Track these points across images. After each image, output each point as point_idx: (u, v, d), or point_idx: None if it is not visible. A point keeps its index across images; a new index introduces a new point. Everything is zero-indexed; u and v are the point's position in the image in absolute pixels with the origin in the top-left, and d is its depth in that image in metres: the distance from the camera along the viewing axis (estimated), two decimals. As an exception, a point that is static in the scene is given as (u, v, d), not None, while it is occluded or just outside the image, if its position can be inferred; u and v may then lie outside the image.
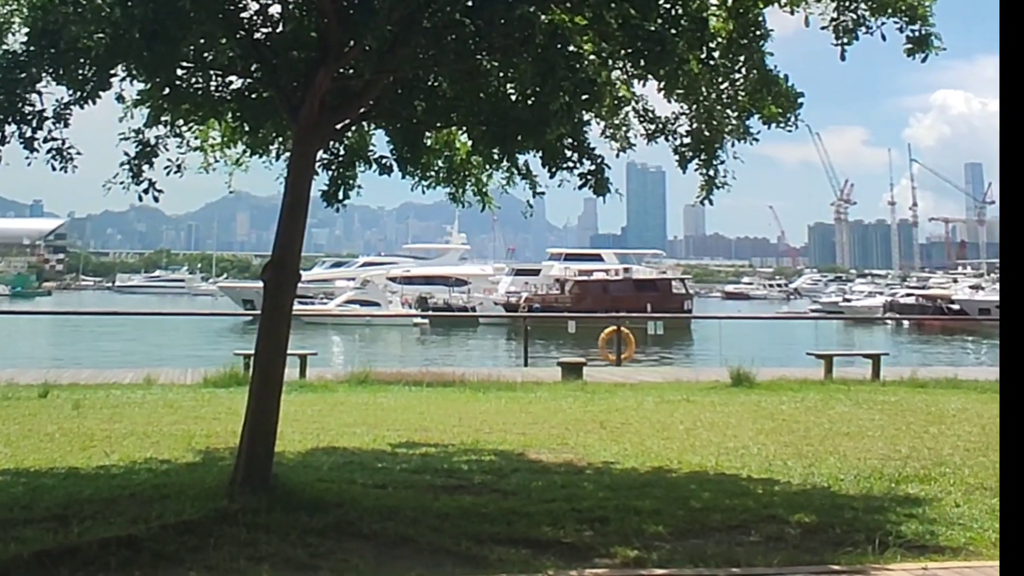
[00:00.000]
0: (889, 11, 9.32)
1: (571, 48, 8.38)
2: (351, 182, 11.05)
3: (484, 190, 11.58)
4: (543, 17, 8.32)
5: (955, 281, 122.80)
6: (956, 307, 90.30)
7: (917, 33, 9.38)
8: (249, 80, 10.11)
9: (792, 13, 9.75)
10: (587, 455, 12.47)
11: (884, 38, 9.44)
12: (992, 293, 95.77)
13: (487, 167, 11.15)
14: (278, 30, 9.75)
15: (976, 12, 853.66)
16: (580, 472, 11.32)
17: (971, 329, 67.51)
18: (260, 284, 9.88)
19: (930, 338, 63.62)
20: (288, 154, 10.44)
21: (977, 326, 71.21)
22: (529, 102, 8.98)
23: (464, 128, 10.59)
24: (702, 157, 10.32)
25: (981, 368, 30.46)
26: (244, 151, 11.15)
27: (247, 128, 10.58)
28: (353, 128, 10.78)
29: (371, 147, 11.25)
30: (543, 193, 10.88)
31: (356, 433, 13.96)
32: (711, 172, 10.37)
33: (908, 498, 10.00)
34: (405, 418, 15.74)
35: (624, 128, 10.76)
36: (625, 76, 9.79)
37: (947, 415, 16.75)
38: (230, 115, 10.43)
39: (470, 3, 8.72)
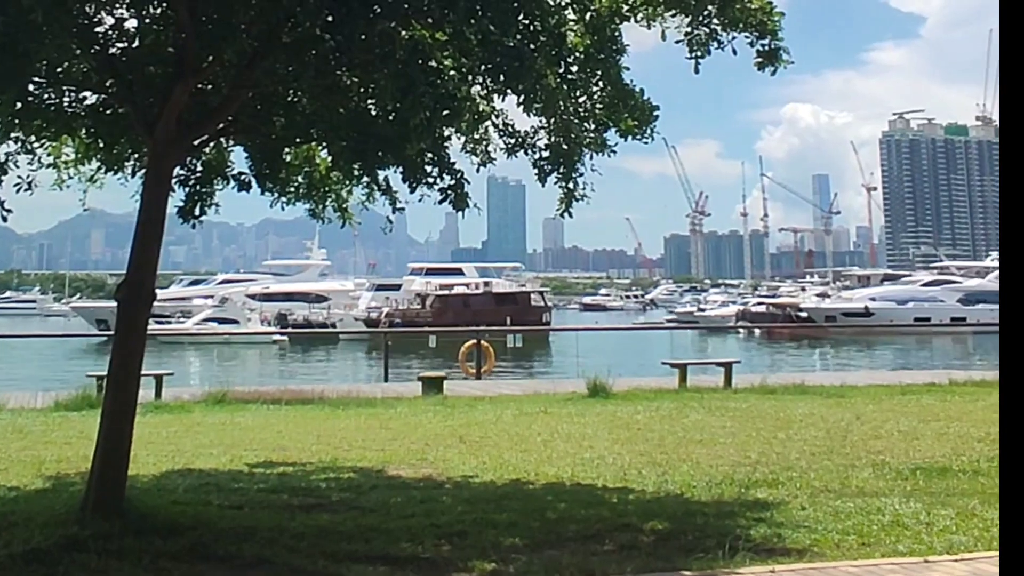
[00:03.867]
0: (740, 26, 9.56)
1: (431, 64, 8.48)
2: (209, 199, 10.89)
3: (344, 206, 11.54)
4: (404, 33, 8.39)
5: (803, 289, 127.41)
6: (804, 315, 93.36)
7: (767, 47, 9.67)
8: (104, 95, 9.91)
9: (648, 28, 9.96)
10: (446, 470, 12.52)
11: (735, 52, 9.73)
12: (838, 301, 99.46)
13: (347, 183, 11.13)
14: (134, 45, 9.54)
15: (822, 28, 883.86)
16: (439, 487, 11.37)
17: (818, 336, 69.85)
18: (114, 304, 9.68)
19: (780, 345, 65.48)
20: (144, 171, 10.23)
21: (824, 333, 73.75)
22: (390, 117, 9.04)
23: (324, 144, 10.54)
24: (561, 170, 10.42)
25: (827, 374, 31.53)
26: (99, 168, 10.88)
27: (102, 144, 10.36)
28: (211, 144, 10.63)
29: (230, 163, 11.12)
30: (403, 208, 10.91)
31: (212, 454, 13.74)
32: (570, 185, 10.47)
33: (757, 503, 10.27)
34: (263, 437, 15.57)
35: (484, 143, 10.87)
36: (485, 91, 9.94)
37: (795, 420, 17.27)
38: (84, 131, 10.20)
39: (330, 19, 8.69)
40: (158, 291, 10.16)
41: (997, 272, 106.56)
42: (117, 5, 9.35)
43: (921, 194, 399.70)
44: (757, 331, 77.01)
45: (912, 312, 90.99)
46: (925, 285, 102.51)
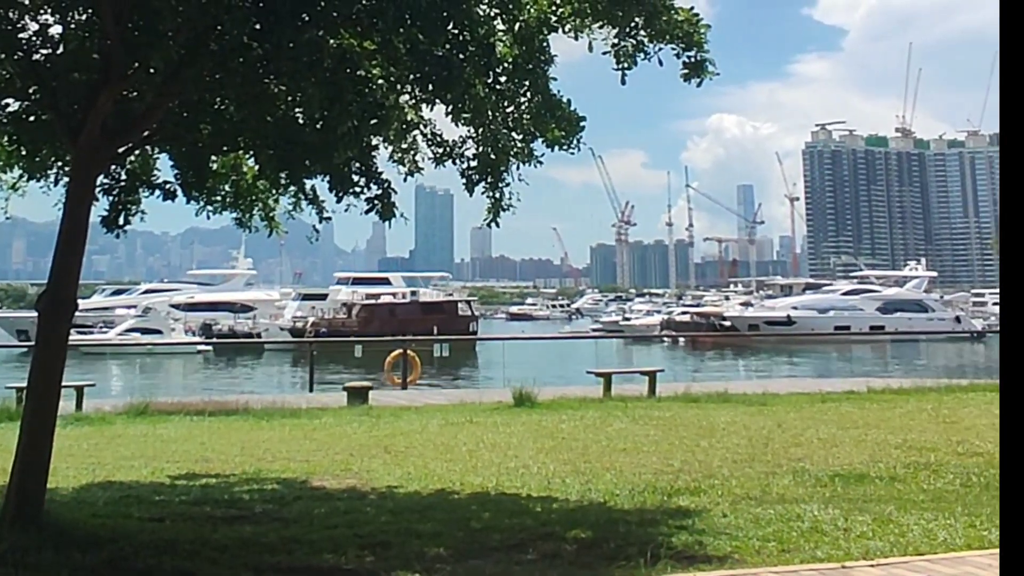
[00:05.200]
0: (667, 38, 9.63)
1: (359, 72, 8.48)
2: (133, 207, 10.72)
3: (271, 215, 11.44)
4: (332, 41, 8.38)
5: (727, 299, 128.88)
6: (727, 324, 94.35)
7: (693, 59, 9.73)
8: (27, 102, 9.75)
9: (576, 39, 9.98)
10: (371, 480, 12.50)
11: (661, 63, 9.77)
12: (760, 310, 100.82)
13: (274, 191, 11.06)
14: (59, 51, 9.41)
15: (748, 40, 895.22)
16: (363, 497, 11.34)
17: (741, 344, 70.77)
18: (35, 314, 9.53)
19: (703, 354, 66.18)
20: (67, 179, 10.09)
21: (747, 341, 74.73)
22: (317, 126, 9.01)
23: (251, 152, 10.45)
24: (488, 180, 10.45)
25: (749, 382, 31.93)
26: (21, 175, 10.68)
27: (24, 152, 10.19)
28: (136, 152, 10.49)
29: (155, 171, 10.97)
30: (330, 218, 10.89)
31: (134, 466, 13.58)
32: (497, 195, 10.52)
33: (679, 510, 10.36)
34: (186, 449, 15.41)
35: (412, 152, 10.87)
36: (413, 100, 9.94)
37: (717, 428, 17.47)
38: (6, 138, 10.06)
39: (258, 26, 8.61)
40: (80, 301, 10.01)
41: (915, 281, 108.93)
42: (41, 11, 9.23)
43: (842, 204, 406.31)
44: (681, 340, 77.78)
45: (833, 320, 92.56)
46: (845, 294, 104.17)
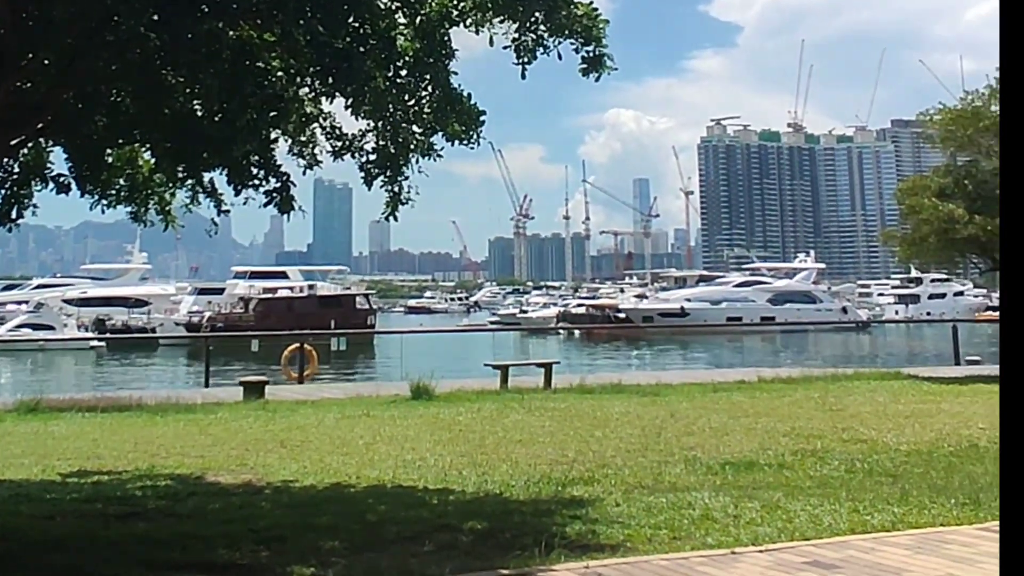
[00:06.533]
0: (566, 33, 9.74)
1: (259, 64, 8.44)
2: (26, 201, 10.53)
3: (168, 208, 11.32)
4: (231, 33, 8.32)
5: (622, 291, 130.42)
6: (622, 315, 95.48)
7: (592, 54, 9.87)
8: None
9: (477, 33, 10.05)
10: (266, 475, 12.43)
11: (560, 57, 9.91)
12: (655, 302, 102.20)
13: (171, 185, 10.94)
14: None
15: (645, 36, 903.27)
16: (259, 492, 11.28)
17: (635, 336, 71.67)
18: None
19: (599, 346, 66.81)
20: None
21: (641, 333, 75.71)
22: (216, 118, 8.96)
23: (148, 145, 10.34)
24: (388, 173, 10.48)
25: (643, 373, 32.38)
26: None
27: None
28: (29, 144, 10.27)
29: (49, 164, 10.77)
30: (228, 211, 10.82)
31: (24, 464, 13.34)
32: (396, 188, 10.55)
33: (574, 500, 10.49)
34: (77, 446, 15.15)
35: (312, 145, 10.88)
36: (313, 93, 9.94)
37: (611, 419, 17.72)
38: None
39: (156, 17, 8.50)
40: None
41: (804, 273, 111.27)
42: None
43: (736, 198, 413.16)
44: (577, 332, 78.44)
45: (725, 312, 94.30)
46: (737, 286, 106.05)
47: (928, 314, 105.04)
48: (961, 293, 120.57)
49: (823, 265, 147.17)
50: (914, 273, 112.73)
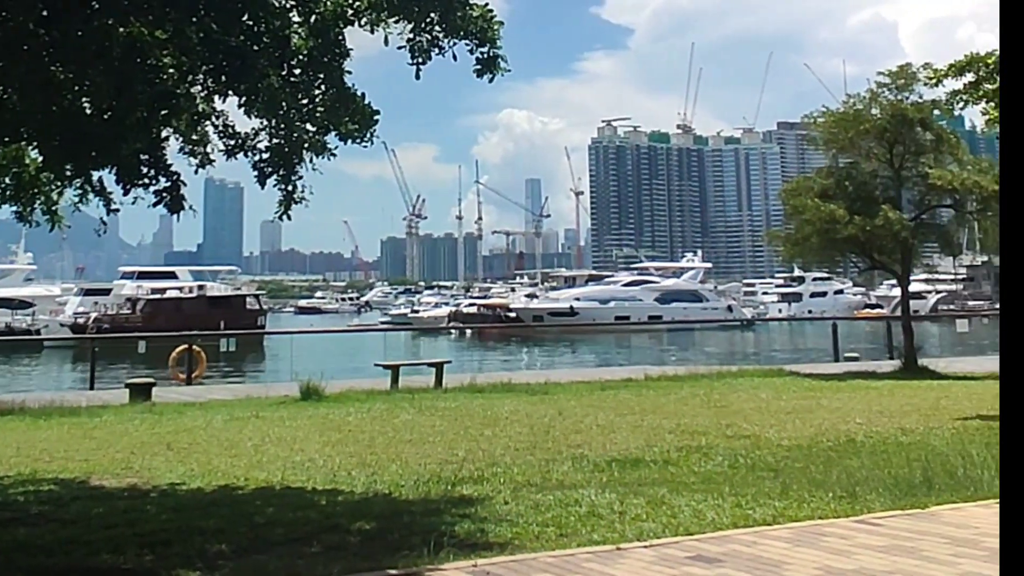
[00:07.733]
0: (461, 33, 9.78)
1: (150, 61, 8.31)
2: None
3: (54, 208, 11.09)
4: (121, 29, 8.17)
5: (513, 290, 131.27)
6: (513, 315, 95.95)
7: (486, 55, 9.94)
8: None
9: (372, 33, 10.00)
10: (152, 478, 12.26)
11: (455, 58, 9.96)
12: (545, 301, 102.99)
13: (59, 184, 10.72)
14: None
15: (538, 37, 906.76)
16: (144, 496, 11.12)
17: (526, 335, 72.10)
18: None
19: (489, 345, 67.05)
20: None
21: (531, 332, 76.20)
22: (105, 116, 8.79)
23: (35, 143, 10.05)
24: (281, 172, 10.43)
25: (533, 372, 32.64)
26: None
27: None
28: (-90, 143, 10.00)
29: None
30: (118, 210, 10.63)
31: None
32: (289, 187, 10.51)
33: (463, 499, 10.56)
34: (-46, 451, 14.73)
35: (203, 144, 10.75)
36: (205, 91, 9.80)
37: (501, 418, 17.87)
38: None
39: (45, 13, 8.34)
40: None
41: (691, 272, 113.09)
42: None
43: (625, 198, 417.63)
44: (468, 331, 78.71)
45: (613, 311, 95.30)
46: (626, 285, 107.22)
47: (810, 312, 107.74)
48: (841, 291, 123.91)
49: (710, 264, 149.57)
50: (797, 272, 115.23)
